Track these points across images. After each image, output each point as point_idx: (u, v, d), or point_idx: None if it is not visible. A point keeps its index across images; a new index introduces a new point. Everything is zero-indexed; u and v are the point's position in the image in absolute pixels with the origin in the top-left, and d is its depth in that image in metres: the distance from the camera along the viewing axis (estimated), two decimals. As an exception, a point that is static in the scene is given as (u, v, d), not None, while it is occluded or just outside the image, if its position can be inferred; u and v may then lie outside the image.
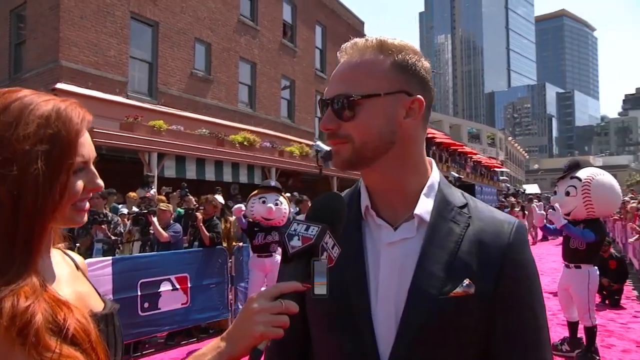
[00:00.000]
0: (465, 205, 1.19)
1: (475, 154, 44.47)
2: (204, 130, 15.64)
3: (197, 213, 7.62)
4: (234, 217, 7.79)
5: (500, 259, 1.11)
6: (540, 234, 20.12)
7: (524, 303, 1.12)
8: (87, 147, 1.10)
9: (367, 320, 1.10)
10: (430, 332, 1.07)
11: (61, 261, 1.20)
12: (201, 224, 7.31)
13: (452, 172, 29.53)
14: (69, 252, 1.28)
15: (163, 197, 9.83)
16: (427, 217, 1.14)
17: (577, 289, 5.65)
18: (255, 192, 7.01)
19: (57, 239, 1.20)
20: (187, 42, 18.02)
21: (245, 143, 16.50)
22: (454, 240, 1.12)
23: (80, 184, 1.08)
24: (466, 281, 1.08)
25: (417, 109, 1.14)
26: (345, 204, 1.08)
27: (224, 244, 7.73)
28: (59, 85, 13.76)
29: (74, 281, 1.17)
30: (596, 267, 5.80)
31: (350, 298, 1.12)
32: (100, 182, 1.13)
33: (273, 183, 7.29)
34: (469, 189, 22.99)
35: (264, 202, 6.68)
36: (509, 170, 66.83)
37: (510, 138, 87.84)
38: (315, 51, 25.74)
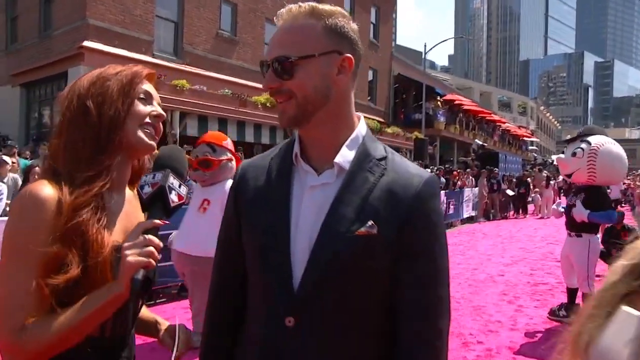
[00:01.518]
0: (384, 158, 1.30)
1: (504, 122, 43.88)
2: (226, 91, 15.80)
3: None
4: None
5: (406, 207, 1.22)
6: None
7: (426, 249, 1.24)
8: (150, 89, 1.46)
9: (285, 255, 1.23)
10: (335, 269, 1.19)
11: (132, 199, 1.44)
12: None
13: (477, 140, 29.23)
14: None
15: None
16: (347, 165, 1.26)
17: (578, 256, 5.72)
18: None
19: (135, 180, 1.48)
20: (213, 2, 18.06)
21: (267, 104, 16.64)
22: (367, 188, 1.24)
23: (142, 107, 1.41)
24: (370, 222, 1.19)
25: (347, 66, 1.26)
26: (182, 151, 1.24)
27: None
28: (86, 43, 14.01)
29: (129, 217, 1.39)
30: (598, 236, 5.85)
31: (275, 233, 1.25)
32: (161, 110, 1.43)
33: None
34: (492, 157, 22.86)
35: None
36: (539, 140, 65.74)
37: (542, 107, 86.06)
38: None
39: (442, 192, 15.12)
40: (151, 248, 1.17)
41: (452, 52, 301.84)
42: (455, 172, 18.27)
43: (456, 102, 33.53)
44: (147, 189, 1.19)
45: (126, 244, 1.17)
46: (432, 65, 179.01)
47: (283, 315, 1.21)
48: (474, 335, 5.52)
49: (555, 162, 6.86)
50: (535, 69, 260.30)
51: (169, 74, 14.24)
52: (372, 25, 28.46)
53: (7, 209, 5.88)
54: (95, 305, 1.20)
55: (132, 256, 1.15)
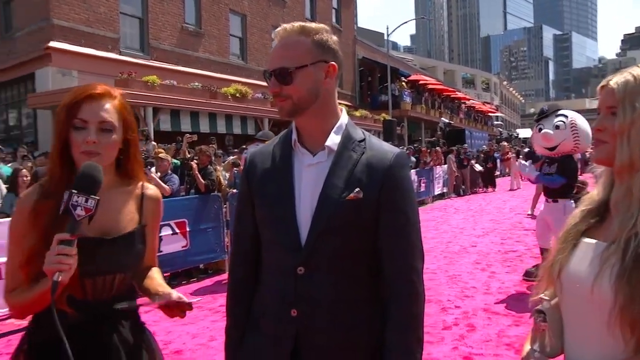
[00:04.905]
0: (363, 140, 1.67)
1: (469, 99, 44.65)
2: (196, 84, 15.95)
3: (192, 163, 8.10)
4: (222, 167, 8.27)
5: (382, 175, 1.60)
6: (523, 180, 20.72)
7: (398, 207, 1.61)
8: (88, 112, 1.67)
9: (292, 218, 1.60)
10: (333, 226, 1.56)
11: (127, 193, 1.81)
12: (197, 172, 7.81)
13: (443, 118, 29.81)
14: (149, 185, 1.89)
15: (161, 150, 10.27)
16: (335, 147, 1.63)
17: (555, 220, 6.15)
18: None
19: (141, 177, 1.86)
20: (176, -4, 18.09)
21: (237, 95, 16.85)
22: (352, 163, 1.61)
23: (75, 138, 1.66)
24: (357, 189, 1.57)
25: (332, 71, 1.63)
26: (94, 168, 1.60)
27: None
28: (52, 44, 13.99)
29: (110, 210, 1.72)
30: (572, 201, 6.34)
31: (281, 203, 1.62)
32: (92, 138, 1.67)
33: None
34: (458, 134, 23.45)
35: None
36: (503, 115, 67.00)
37: (505, 82, 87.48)
38: (304, 0, 25.70)
39: (413, 171, 15.59)
40: (62, 256, 1.47)
41: (413, 32, 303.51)
42: (423, 150, 18.74)
43: (421, 82, 34.05)
44: (62, 207, 1.53)
45: (47, 253, 1.51)
46: (395, 46, 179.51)
47: (295, 266, 1.59)
48: (451, 301, 5.94)
49: (519, 136, 7.28)
50: (496, 45, 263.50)
51: (138, 70, 14.32)
52: (334, 10, 28.72)
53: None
54: (37, 291, 1.56)
55: (47, 263, 1.48)
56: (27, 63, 14.95)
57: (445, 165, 18.71)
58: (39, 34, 14.56)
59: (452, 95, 39.37)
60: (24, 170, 6.85)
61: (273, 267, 1.67)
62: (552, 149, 6.21)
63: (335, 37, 1.69)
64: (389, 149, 1.68)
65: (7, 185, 7.04)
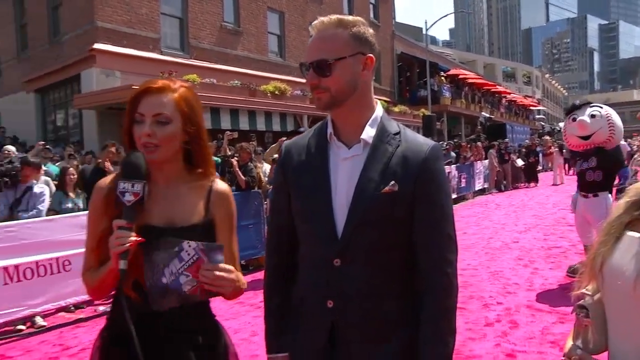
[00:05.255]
0: (398, 132, 1.67)
1: (509, 93, 43.80)
2: (235, 82, 16.12)
3: (232, 160, 8.21)
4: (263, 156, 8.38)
5: (417, 168, 1.60)
6: (563, 175, 20.31)
7: (433, 199, 1.61)
8: (145, 105, 1.73)
9: (329, 211, 1.62)
10: (369, 218, 1.57)
11: (195, 187, 1.83)
12: (237, 169, 7.91)
13: (483, 113, 29.38)
14: (219, 181, 1.91)
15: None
16: (370, 140, 1.64)
17: (597, 215, 5.97)
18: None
19: (210, 171, 1.88)
20: (215, -5, 18.31)
21: (276, 92, 16.95)
22: (387, 156, 1.62)
23: (136, 131, 1.73)
24: (392, 182, 1.57)
25: (369, 63, 1.64)
26: (134, 155, 1.70)
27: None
28: (97, 46, 14.36)
29: (176, 201, 1.78)
30: (610, 195, 6.19)
31: (317, 196, 1.64)
32: (146, 130, 1.71)
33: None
34: (499, 128, 23.06)
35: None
36: (545, 108, 65.47)
37: (547, 75, 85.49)
38: (342, -4, 25.69)
39: (453, 166, 15.43)
40: (122, 240, 1.59)
41: (452, 25, 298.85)
42: (463, 145, 18.50)
43: (460, 76, 33.58)
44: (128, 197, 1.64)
45: (109, 237, 1.62)
46: (434, 40, 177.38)
47: (332, 258, 1.61)
48: (493, 297, 5.87)
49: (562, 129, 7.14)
50: (537, 37, 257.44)
51: (178, 69, 14.54)
52: (371, 6, 28.56)
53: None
54: (102, 273, 1.69)
55: (110, 247, 1.60)
56: (73, 65, 15.37)
57: (486, 161, 18.43)
58: (84, 36, 14.95)
59: (492, 90, 38.68)
60: (71, 168, 7.06)
61: (309, 259, 1.70)
62: (586, 138, 6.08)
63: (371, 30, 1.68)
64: (423, 142, 1.68)
65: (56, 183, 7.28)
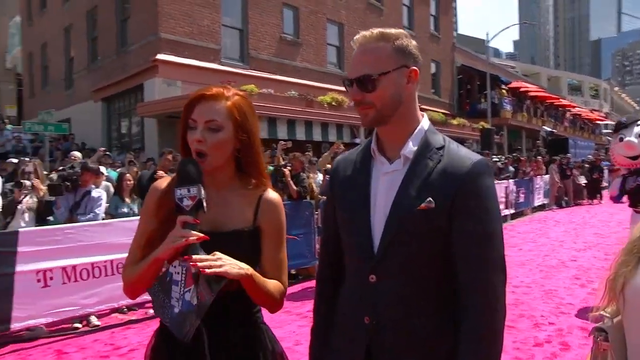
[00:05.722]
0: (442, 147, 1.63)
1: (574, 107, 42.40)
2: (293, 92, 16.31)
3: (284, 169, 8.29)
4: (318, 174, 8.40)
5: (457, 183, 1.55)
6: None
7: (474, 215, 1.54)
8: (198, 112, 1.75)
9: (367, 226, 1.62)
10: (404, 235, 1.55)
11: (246, 195, 1.83)
12: (289, 179, 7.99)
13: (545, 127, 28.51)
14: (269, 191, 1.87)
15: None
16: (411, 155, 1.61)
17: None
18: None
19: (262, 181, 1.86)
20: (276, 7, 18.64)
21: (333, 103, 17.03)
22: (427, 172, 1.58)
23: (190, 136, 1.74)
24: (429, 199, 1.54)
25: (414, 76, 1.61)
26: (187, 161, 1.72)
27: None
28: (159, 56, 14.88)
29: (224, 207, 1.79)
30: None
31: (358, 210, 1.66)
32: (197, 136, 1.71)
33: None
34: (561, 143, 22.30)
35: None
36: (613, 122, 62.92)
37: (616, 88, 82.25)
38: (402, 8, 25.59)
39: (511, 181, 15.05)
40: (185, 237, 1.59)
41: (517, 37, 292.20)
42: (523, 159, 18.00)
43: (522, 89, 32.75)
44: (186, 202, 1.65)
45: (172, 232, 1.63)
46: (497, 52, 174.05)
47: (367, 274, 1.60)
48: (545, 317, 5.67)
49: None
50: (607, 48, 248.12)
51: (237, 79, 14.85)
52: (432, 18, 28.33)
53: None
54: (146, 263, 1.70)
55: (171, 241, 1.62)
56: (137, 75, 15.99)
57: (547, 176, 17.88)
58: (149, 47, 15.53)
59: (555, 103, 37.52)
60: (128, 174, 7.34)
61: (351, 272, 1.71)
62: (634, 158, 5.88)
63: (414, 42, 1.66)
64: (466, 156, 1.62)
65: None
